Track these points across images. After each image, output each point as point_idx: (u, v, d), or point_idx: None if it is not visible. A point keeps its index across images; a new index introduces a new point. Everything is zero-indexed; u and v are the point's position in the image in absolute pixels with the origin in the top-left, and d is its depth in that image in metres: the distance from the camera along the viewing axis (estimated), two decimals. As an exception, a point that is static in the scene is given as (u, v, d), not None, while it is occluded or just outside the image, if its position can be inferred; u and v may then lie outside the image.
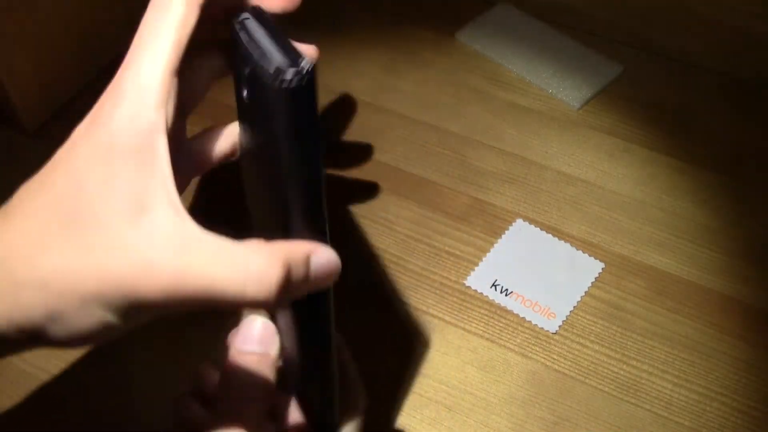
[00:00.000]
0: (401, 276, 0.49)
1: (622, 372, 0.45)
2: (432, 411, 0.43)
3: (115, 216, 0.25)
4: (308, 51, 0.33)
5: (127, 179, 0.26)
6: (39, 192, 0.27)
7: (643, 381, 0.45)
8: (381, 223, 0.52)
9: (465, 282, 0.49)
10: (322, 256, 0.27)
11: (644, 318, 0.47)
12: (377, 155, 0.56)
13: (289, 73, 0.25)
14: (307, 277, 0.27)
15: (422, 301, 0.48)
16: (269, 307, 0.32)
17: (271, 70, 0.25)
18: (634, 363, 0.45)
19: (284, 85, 0.25)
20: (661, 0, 0.68)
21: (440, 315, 0.47)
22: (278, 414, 0.36)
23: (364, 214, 0.52)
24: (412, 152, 0.56)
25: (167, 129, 0.27)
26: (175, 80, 0.28)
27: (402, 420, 0.43)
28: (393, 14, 0.67)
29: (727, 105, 0.60)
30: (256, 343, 0.33)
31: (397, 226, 0.52)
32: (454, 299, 0.48)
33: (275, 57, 0.26)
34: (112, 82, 0.29)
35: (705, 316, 0.48)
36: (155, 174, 0.26)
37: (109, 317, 0.25)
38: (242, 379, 0.32)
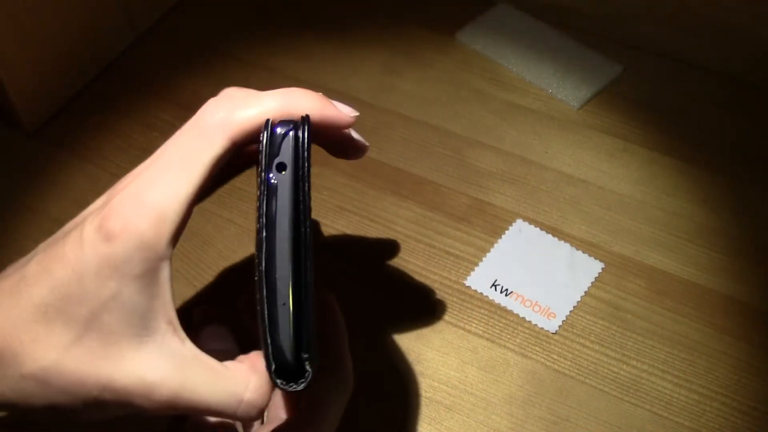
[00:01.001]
0: (401, 276, 0.49)
1: (622, 372, 0.45)
2: (432, 411, 0.43)
3: (123, 331, 0.27)
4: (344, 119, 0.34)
5: (133, 299, 0.27)
6: (37, 278, 0.27)
7: (643, 381, 0.45)
8: (381, 223, 0.52)
9: (465, 282, 0.49)
10: None
11: (644, 318, 0.47)
12: (377, 155, 0.56)
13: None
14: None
15: (423, 302, 0.48)
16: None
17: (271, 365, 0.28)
18: (634, 363, 0.45)
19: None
20: (661, 0, 0.68)
21: (440, 315, 0.47)
22: None
23: (363, 214, 0.52)
24: (412, 152, 0.56)
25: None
26: (191, 209, 0.29)
27: (402, 420, 0.43)
28: (393, 14, 0.67)
29: (727, 105, 0.60)
30: None
31: (397, 226, 0.52)
32: (454, 299, 0.48)
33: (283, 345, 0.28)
34: (130, 184, 0.29)
35: (705, 316, 0.48)
36: (159, 297, 0.28)
37: (105, 415, 0.28)
38: None
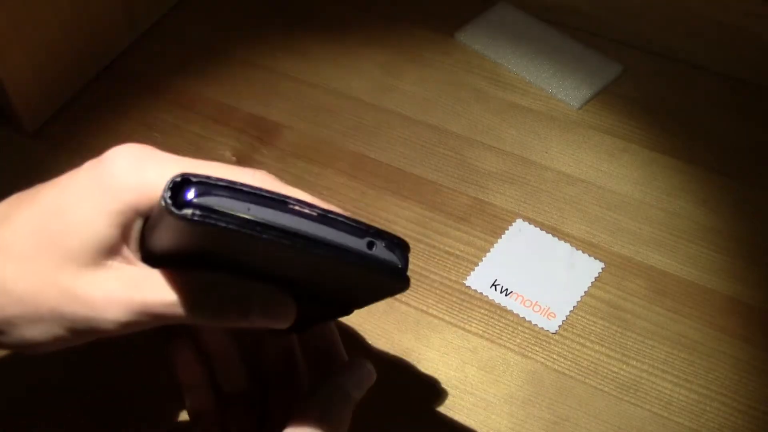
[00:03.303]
0: (401, 276, 0.49)
1: (622, 372, 0.45)
2: (432, 411, 0.43)
3: (86, 255, 0.28)
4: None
5: (102, 229, 0.29)
6: (29, 203, 0.30)
7: (643, 381, 0.45)
8: (381, 223, 0.52)
9: (465, 282, 0.49)
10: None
11: (644, 318, 0.47)
12: (377, 155, 0.56)
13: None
14: None
15: (422, 301, 0.48)
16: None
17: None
18: (634, 363, 0.45)
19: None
20: (661, 0, 0.68)
21: (440, 315, 0.47)
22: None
23: (364, 214, 0.52)
24: (412, 152, 0.56)
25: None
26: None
27: (402, 420, 0.43)
28: (393, 14, 0.67)
29: (727, 105, 0.60)
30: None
31: (397, 226, 0.52)
32: (454, 299, 0.48)
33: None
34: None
35: (705, 316, 0.48)
36: (127, 239, 0.30)
37: (62, 333, 0.29)
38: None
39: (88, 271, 0.28)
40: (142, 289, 0.29)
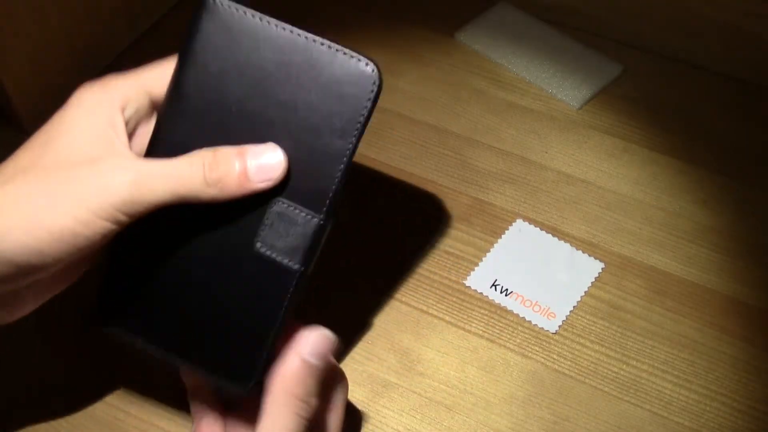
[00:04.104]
0: (401, 276, 0.49)
1: (622, 372, 0.45)
2: (432, 411, 0.43)
3: (78, 154, 0.33)
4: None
5: (92, 129, 0.34)
6: (33, 142, 0.35)
7: (643, 381, 0.45)
8: (381, 223, 0.52)
9: (465, 282, 0.49)
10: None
11: (644, 318, 0.47)
12: (377, 155, 0.56)
13: None
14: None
15: (422, 301, 0.48)
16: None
17: None
18: (634, 363, 0.45)
19: None
20: (661, 0, 0.68)
21: (440, 315, 0.47)
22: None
23: (363, 214, 0.52)
24: (412, 152, 0.56)
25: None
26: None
27: (402, 420, 0.43)
28: (393, 14, 0.67)
29: (727, 105, 0.60)
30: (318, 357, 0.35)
31: (397, 225, 0.52)
32: (454, 299, 0.48)
33: None
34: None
35: (705, 316, 0.48)
36: (116, 134, 0.35)
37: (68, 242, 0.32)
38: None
39: (85, 164, 0.33)
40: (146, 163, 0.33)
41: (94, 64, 0.61)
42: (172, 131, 0.35)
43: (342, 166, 0.34)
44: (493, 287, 0.48)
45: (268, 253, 0.34)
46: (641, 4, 0.68)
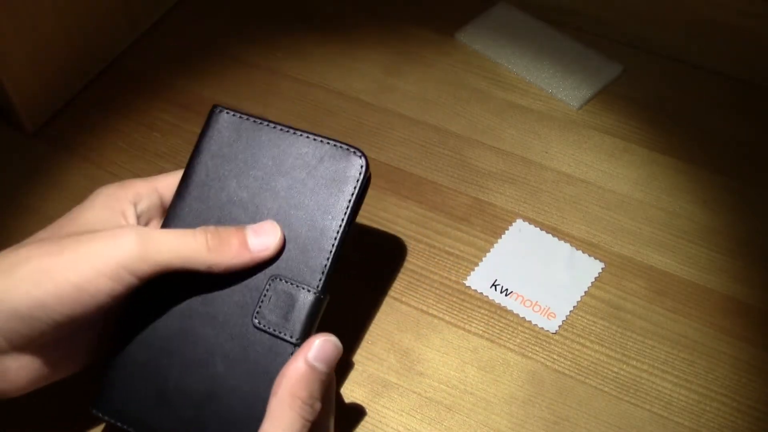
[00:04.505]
0: (401, 276, 0.49)
1: (622, 372, 0.45)
2: (432, 411, 0.43)
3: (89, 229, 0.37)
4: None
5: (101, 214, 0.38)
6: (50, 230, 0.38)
7: (643, 381, 0.45)
8: (381, 223, 0.52)
9: (465, 282, 0.49)
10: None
11: (644, 318, 0.47)
12: (377, 155, 0.56)
13: None
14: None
15: (422, 301, 0.48)
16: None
17: None
18: (634, 363, 0.45)
19: None
20: (661, 0, 0.68)
21: (440, 315, 0.47)
22: None
23: (363, 214, 0.52)
24: (412, 152, 0.56)
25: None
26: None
27: (402, 420, 0.43)
28: (393, 14, 0.67)
29: (727, 105, 0.60)
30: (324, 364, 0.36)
31: (397, 226, 0.52)
32: (454, 299, 0.48)
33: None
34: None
35: (705, 316, 0.48)
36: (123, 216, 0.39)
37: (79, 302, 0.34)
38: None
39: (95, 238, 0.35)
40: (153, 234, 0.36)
41: (94, 64, 0.61)
42: (180, 217, 0.39)
43: (335, 243, 0.37)
44: (493, 287, 0.48)
45: (266, 327, 0.36)
46: (641, 4, 0.68)
